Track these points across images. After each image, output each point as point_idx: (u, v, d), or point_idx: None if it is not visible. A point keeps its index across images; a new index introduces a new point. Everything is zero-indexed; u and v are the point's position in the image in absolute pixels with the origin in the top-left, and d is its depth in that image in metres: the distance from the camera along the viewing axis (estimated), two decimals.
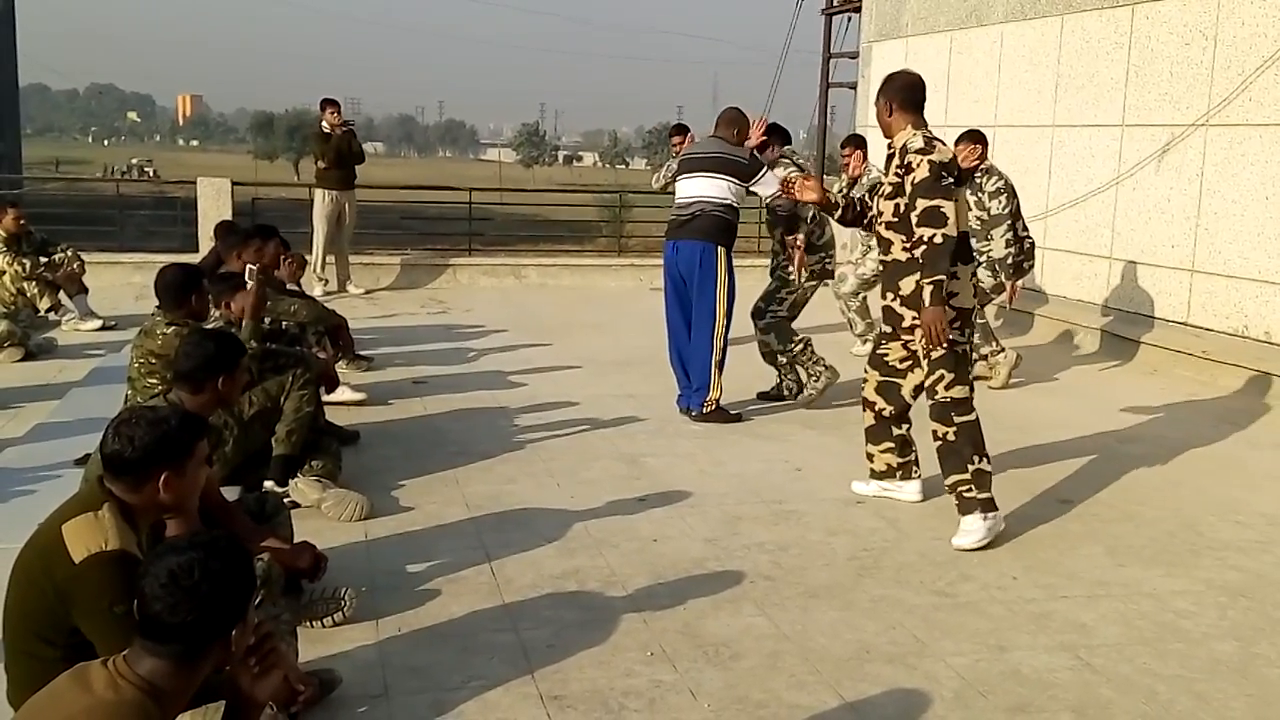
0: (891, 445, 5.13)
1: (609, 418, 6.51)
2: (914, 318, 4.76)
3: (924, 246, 4.64)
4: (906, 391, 5.02)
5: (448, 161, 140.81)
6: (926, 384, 4.82)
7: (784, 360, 6.96)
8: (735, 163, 6.45)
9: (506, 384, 7.41)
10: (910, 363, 4.93)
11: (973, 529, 4.72)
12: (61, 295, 8.92)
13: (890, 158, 4.88)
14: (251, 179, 25.85)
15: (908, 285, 4.78)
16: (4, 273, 8.46)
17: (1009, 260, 7.64)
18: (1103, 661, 3.65)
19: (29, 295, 8.59)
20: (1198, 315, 8.76)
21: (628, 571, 4.26)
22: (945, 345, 4.66)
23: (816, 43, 22.83)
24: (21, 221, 8.74)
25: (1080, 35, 10.03)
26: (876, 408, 5.10)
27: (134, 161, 71.41)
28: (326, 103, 11.47)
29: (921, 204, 4.65)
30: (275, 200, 17.57)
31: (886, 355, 5.03)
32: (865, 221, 5.13)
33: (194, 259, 7.80)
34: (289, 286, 6.96)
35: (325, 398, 5.83)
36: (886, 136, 4.92)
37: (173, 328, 4.82)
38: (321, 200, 11.20)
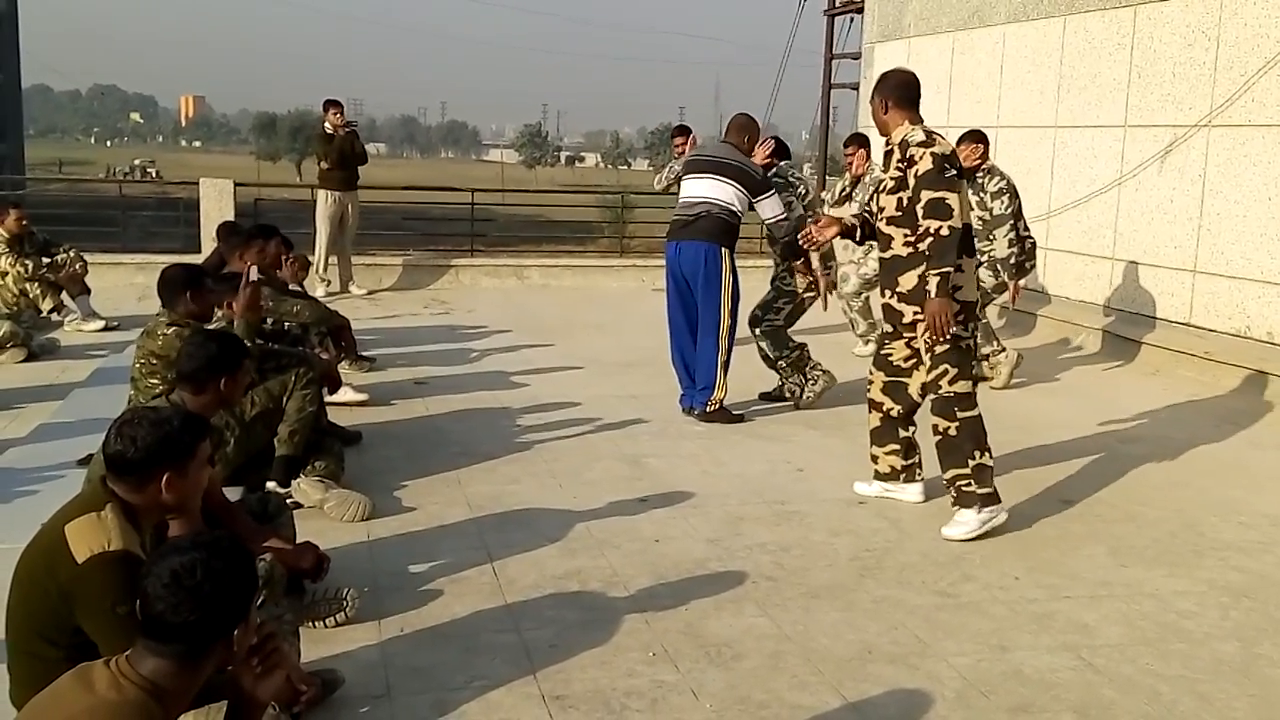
0: (897, 447, 5.12)
1: (611, 418, 6.51)
2: (915, 313, 4.77)
3: (930, 239, 4.64)
4: (914, 390, 5.01)
5: (450, 162, 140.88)
6: (929, 379, 4.82)
7: (783, 365, 6.97)
8: (746, 172, 6.46)
9: (509, 385, 7.42)
10: (915, 361, 4.93)
11: (965, 520, 4.77)
12: (64, 296, 8.93)
13: (888, 154, 4.88)
14: (254, 180, 25.91)
15: (908, 281, 4.78)
16: (6, 274, 8.48)
17: (1011, 260, 7.64)
18: (1105, 662, 3.65)
19: (32, 296, 8.60)
20: (1200, 316, 8.76)
21: (630, 572, 4.26)
22: (949, 338, 4.67)
23: (819, 43, 22.81)
24: (24, 222, 8.75)
25: (1083, 36, 10.03)
26: (885, 408, 5.09)
27: (136, 162, 71.55)
28: (329, 103, 11.48)
29: (926, 196, 4.65)
30: (278, 201, 17.55)
31: (891, 355, 5.03)
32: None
33: (196, 260, 7.80)
34: (291, 287, 6.97)
35: (328, 398, 5.84)
36: (883, 134, 4.94)
37: (173, 328, 4.83)
38: (324, 201, 11.20)
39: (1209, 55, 8.70)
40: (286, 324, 6.60)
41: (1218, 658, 3.72)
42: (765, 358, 7.02)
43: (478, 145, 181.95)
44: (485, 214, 17.22)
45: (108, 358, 7.59)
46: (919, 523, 4.92)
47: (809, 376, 6.93)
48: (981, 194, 7.51)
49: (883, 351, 5.09)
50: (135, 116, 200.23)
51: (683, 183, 6.72)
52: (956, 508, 4.83)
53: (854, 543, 4.67)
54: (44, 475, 4.89)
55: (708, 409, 6.52)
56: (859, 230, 5.13)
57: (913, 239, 4.73)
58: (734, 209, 6.45)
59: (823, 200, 8.72)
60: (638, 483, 5.39)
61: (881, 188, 4.89)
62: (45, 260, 8.74)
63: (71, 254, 8.94)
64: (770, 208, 6.48)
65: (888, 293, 4.91)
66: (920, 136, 4.74)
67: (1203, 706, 3.39)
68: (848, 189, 8.70)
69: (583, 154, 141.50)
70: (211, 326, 4.90)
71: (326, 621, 3.67)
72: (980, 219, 7.49)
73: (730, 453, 5.96)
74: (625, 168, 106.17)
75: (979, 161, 7.55)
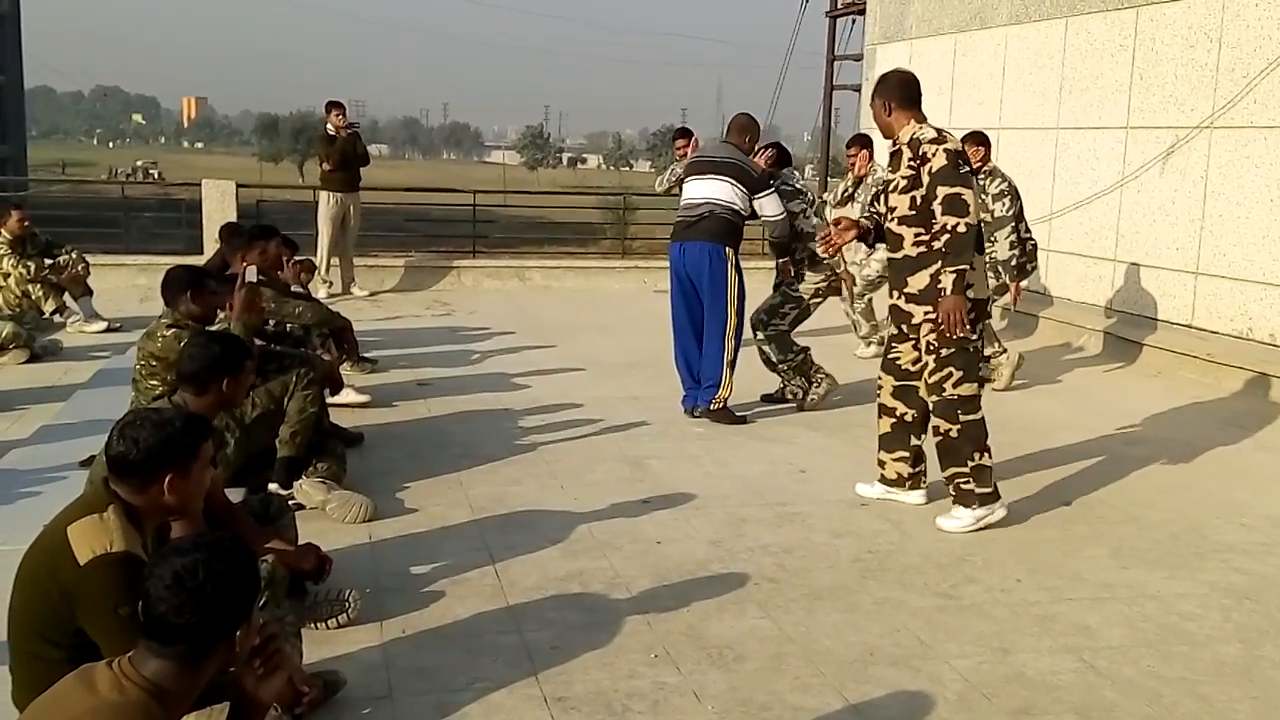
0: (906, 455, 5.11)
1: (613, 420, 6.51)
2: (925, 313, 4.76)
3: (947, 235, 4.64)
4: (925, 392, 5.00)
5: (452, 164, 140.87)
6: (933, 380, 4.81)
7: (785, 368, 6.97)
8: (745, 171, 6.48)
9: (510, 386, 7.42)
10: (922, 363, 4.92)
11: (960, 515, 4.82)
12: (66, 297, 8.94)
13: (895, 154, 4.87)
14: (256, 181, 25.92)
15: (918, 281, 4.77)
16: (9, 275, 8.48)
17: (1012, 262, 7.64)
18: (1107, 664, 3.65)
19: (34, 297, 8.61)
20: (1202, 318, 8.75)
21: (631, 573, 4.26)
22: (961, 336, 4.66)
23: (821, 45, 22.84)
24: (26, 224, 8.76)
25: (1085, 38, 10.03)
26: (897, 413, 5.08)
27: (139, 164, 71.62)
28: (331, 105, 11.49)
29: (943, 191, 4.65)
30: (280, 202, 17.58)
31: (898, 359, 5.02)
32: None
33: (199, 261, 7.82)
34: (294, 289, 6.97)
35: (329, 400, 5.84)
36: (887, 136, 4.93)
37: (173, 330, 4.83)
38: (326, 202, 11.21)
39: (1211, 57, 8.70)
40: (288, 325, 6.60)
41: (1220, 660, 3.72)
42: (767, 361, 7.02)
43: (480, 147, 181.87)
44: (487, 215, 17.24)
45: (110, 359, 7.60)
46: (921, 525, 4.92)
47: (812, 379, 6.94)
48: (983, 196, 7.51)
49: (890, 355, 5.08)
50: (137, 118, 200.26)
51: (685, 184, 6.74)
52: (955, 506, 4.87)
53: (856, 544, 4.67)
54: (46, 477, 4.90)
55: (711, 406, 6.52)
56: (871, 234, 5.11)
57: (925, 238, 4.73)
58: (736, 208, 6.45)
59: (824, 202, 8.72)
60: (639, 484, 5.39)
61: (892, 187, 4.87)
62: (48, 262, 8.75)
63: (74, 255, 8.94)
64: (770, 206, 6.49)
65: (896, 293, 4.90)
66: (931, 134, 4.75)
67: (1204, 708, 3.39)
68: (850, 190, 8.70)
69: (585, 155, 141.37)
70: (213, 328, 4.91)
71: (328, 623, 3.67)
72: (982, 221, 7.49)
73: (732, 454, 5.96)
74: (627, 169, 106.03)
75: (980, 163, 7.56)
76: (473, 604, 3.95)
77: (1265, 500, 5.48)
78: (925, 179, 4.70)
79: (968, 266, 4.62)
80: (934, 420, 4.85)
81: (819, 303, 7.02)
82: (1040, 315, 9.90)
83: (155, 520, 2.72)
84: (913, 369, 4.98)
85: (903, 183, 4.80)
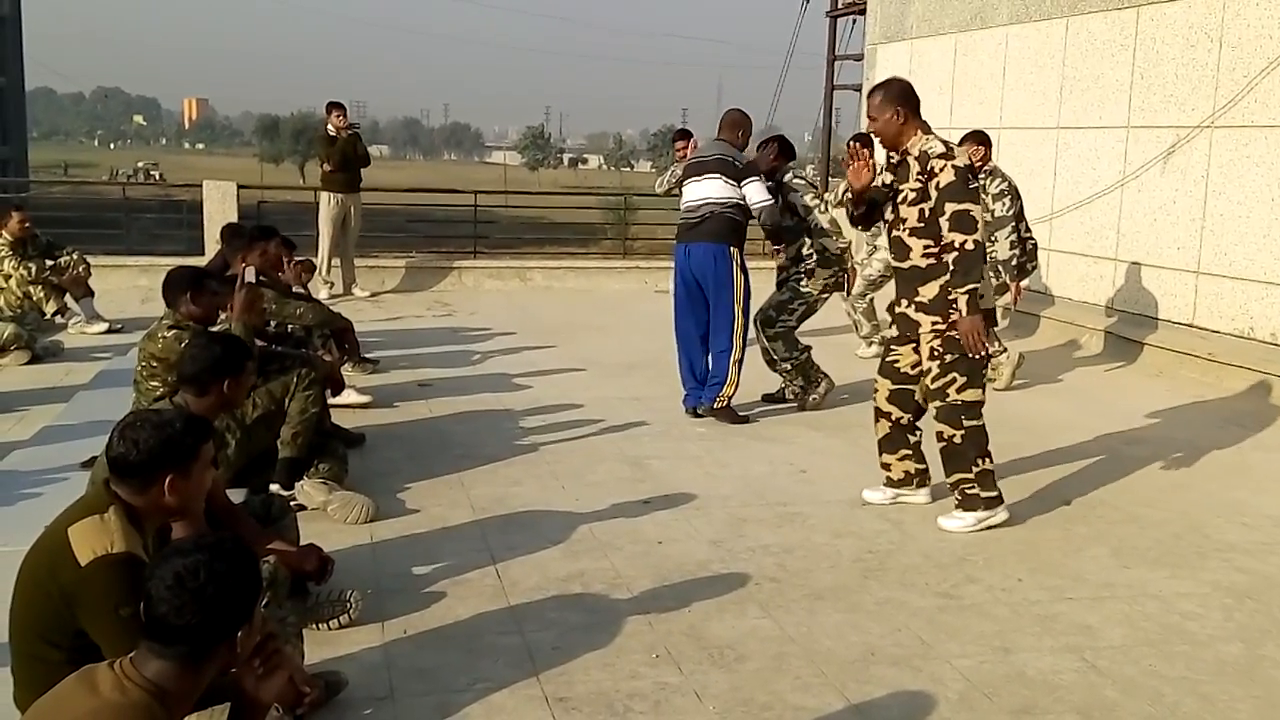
0: (909, 453, 5.10)
1: (614, 420, 6.51)
2: (934, 323, 4.76)
3: (955, 253, 4.64)
4: (921, 396, 5.01)
5: (453, 164, 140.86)
6: (936, 386, 4.81)
7: (788, 367, 6.97)
8: (728, 163, 6.50)
9: (511, 386, 7.42)
10: (924, 368, 4.91)
11: (963, 516, 4.84)
12: (68, 298, 8.95)
13: (900, 164, 4.84)
14: (257, 182, 25.94)
15: (929, 291, 4.77)
16: (10, 276, 8.49)
17: (1013, 262, 7.64)
18: (1108, 663, 3.65)
19: (35, 299, 8.62)
20: (1203, 317, 8.75)
21: (632, 574, 4.26)
22: (981, 353, 4.68)
23: (821, 45, 22.82)
24: (27, 225, 8.77)
25: (1085, 37, 10.03)
26: (893, 417, 5.07)
27: (140, 165, 71.65)
28: (332, 106, 11.50)
29: (951, 208, 4.64)
30: (281, 203, 17.58)
31: (897, 362, 5.02)
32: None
33: (200, 262, 7.82)
34: (295, 289, 6.98)
35: (331, 400, 5.84)
36: (892, 145, 4.88)
37: (173, 331, 4.83)
38: (327, 203, 11.22)
39: (1211, 56, 8.69)
40: (289, 326, 6.61)
41: (1221, 659, 3.72)
42: (769, 359, 7.02)
43: (480, 147, 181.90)
44: (488, 216, 17.23)
45: (111, 360, 7.60)
46: (922, 524, 4.92)
47: (813, 379, 6.95)
48: (983, 196, 7.51)
49: (888, 358, 5.08)
50: (138, 119, 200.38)
51: (683, 187, 6.76)
52: (958, 509, 4.88)
53: (857, 544, 4.67)
54: (48, 478, 4.90)
55: (715, 404, 6.53)
56: (879, 209, 5.05)
57: (935, 249, 4.73)
58: (735, 203, 6.46)
59: (825, 202, 8.72)
60: (640, 484, 5.39)
61: (900, 199, 4.85)
62: (49, 263, 8.76)
63: (75, 256, 8.95)
64: (755, 193, 6.46)
65: (904, 302, 4.89)
66: (939, 148, 4.74)
67: (1206, 708, 3.39)
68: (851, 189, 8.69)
69: (585, 156, 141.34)
70: (214, 329, 4.91)
71: (330, 624, 3.67)
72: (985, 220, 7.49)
73: (733, 454, 5.96)
74: (628, 169, 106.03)
75: (981, 163, 7.56)
76: (474, 604, 3.95)
77: (1266, 499, 5.48)
78: (933, 193, 4.69)
79: (978, 285, 4.64)
80: (937, 426, 4.84)
81: (825, 298, 7.03)
82: (1041, 315, 9.90)
83: (156, 521, 2.72)
84: (910, 373, 4.98)
85: (912, 195, 4.78)
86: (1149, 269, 9.28)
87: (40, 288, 8.63)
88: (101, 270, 9.98)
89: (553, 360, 8.31)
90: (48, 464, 5.10)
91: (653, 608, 3.96)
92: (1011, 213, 7.61)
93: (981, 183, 7.51)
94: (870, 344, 8.51)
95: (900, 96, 4.82)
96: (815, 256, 6.83)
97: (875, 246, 8.53)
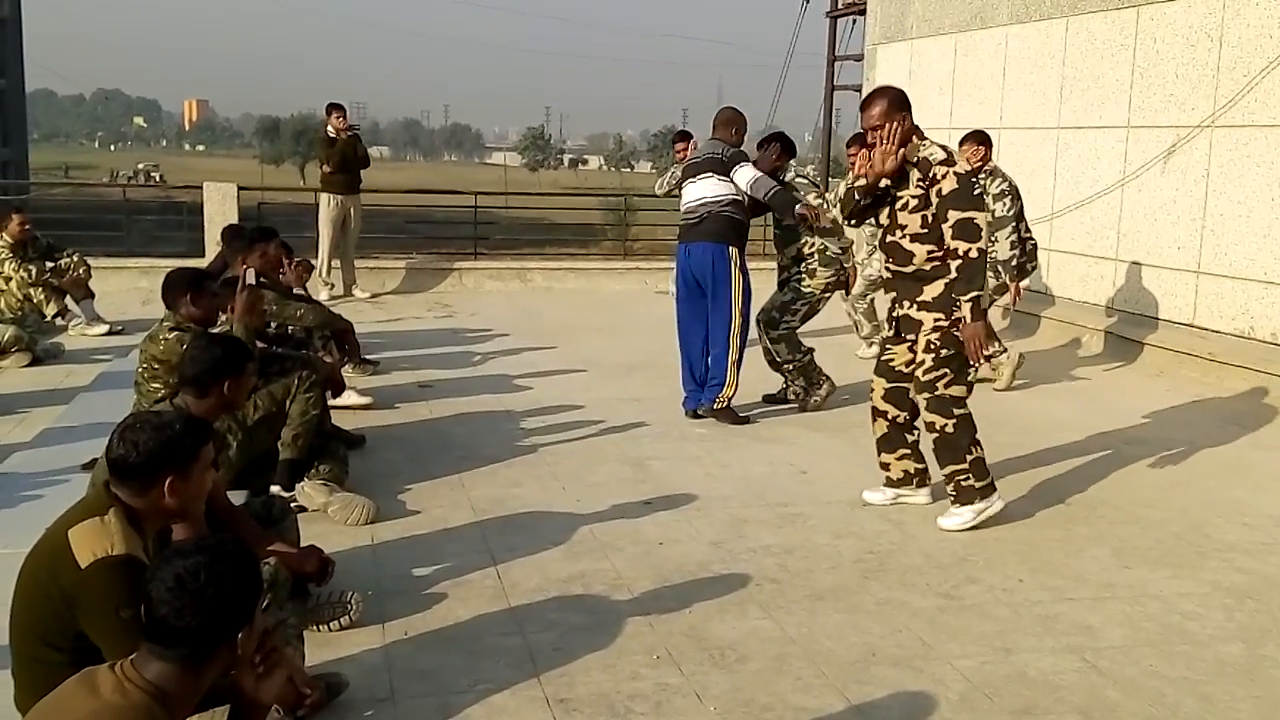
0: (908, 452, 5.11)
1: (614, 421, 6.51)
2: (936, 319, 4.77)
3: (958, 260, 4.65)
4: (915, 390, 5.01)
5: (453, 165, 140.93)
6: (927, 378, 4.82)
7: (791, 368, 6.97)
8: (718, 160, 6.51)
9: (512, 388, 7.42)
10: (918, 361, 4.92)
11: (960, 513, 4.86)
12: (68, 300, 8.95)
13: (903, 172, 4.83)
14: (258, 183, 25.95)
15: (933, 290, 4.78)
16: (10, 279, 8.49)
17: (1013, 262, 7.64)
18: (1109, 664, 3.65)
19: (36, 301, 8.62)
20: (1203, 317, 8.75)
21: (633, 575, 4.26)
22: (955, 349, 4.69)
23: (821, 45, 22.84)
24: (27, 227, 8.77)
25: (1085, 37, 10.03)
26: (890, 415, 5.08)
27: (140, 166, 71.78)
28: (332, 107, 11.50)
29: (954, 216, 4.65)
30: (281, 204, 17.58)
31: (893, 360, 5.02)
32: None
33: (200, 264, 7.82)
34: (295, 291, 6.98)
35: (331, 402, 5.84)
36: (879, 170, 4.83)
37: (175, 333, 4.84)
38: (327, 205, 11.22)
39: (1211, 56, 8.69)
40: (290, 328, 6.61)
41: (1222, 659, 3.72)
42: (772, 360, 7.02)
43: (481, 148, 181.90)
44: (488, 217, 17.23)
45: (112, 362, 7.60)
46: (923, 525, 4.92)
47: (815, 381, 6.95)
48: (984, 196, 7.50)
49: (884, 357, 5.08)
50: (139, 121, 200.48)
51: (682, 189, 6.77)
52: (956, 505, 4.90)
53: (857, 545, 4.67)
54: (48, 480, 4.90)
55: (715, 405, 6.53)
56: (875, 207, 5.03)
57: (939, 254, 4.74)
58: (732, 199, 6.46)
59: (826, 201, 8.72)
60: (641, 485, 5.39)
61: (900, 205, 4.84)
62: (49, 265, 8.76)
63: (75, 258, 8.96)
64: (744, 176, 6.44)
65: (906, 303, 4.89)
66: (940, 154, 4.74)
67: (1207, 708, 3.39)
68: (852, 188, 8.69)
69: (586, 157, 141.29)
70: (214, 330, 4.91)
71: (330, 625, 3.68)
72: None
73: (733, 455, 5.96)
74: (628, 170, 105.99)
75: (981, 163, 7.56)
76: (475, 606, 3.95)
77: (1267, 499, 5.47)
78: (934, 200, 4.70)
79: (983, 291, 4.66)
80: (928, 417, 4.86)
81: (827, 298, 7.04)
82: (1042, 315, 9.90)
83: (156, 523, 2.72)
84: (905, 370, 4.98)
85: (913, 202, 4.78)
86: (1149, 269, 9.28)
87: (41, 290, 8.63)
88: (102, 272, 9.99)
89: (553, 361, 8.31)
90: (48, 466, 5.11)
91: (653, 609, 3.96)
92: (1012, 213, 7.61)
93: (982, 183, 7.51)
94: (871, 344, 8.51)
95: (903, 105, 4.82)
96: (816, 256, 6.83)
97: (875, 246, 8.52)
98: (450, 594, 4.04)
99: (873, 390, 5.13)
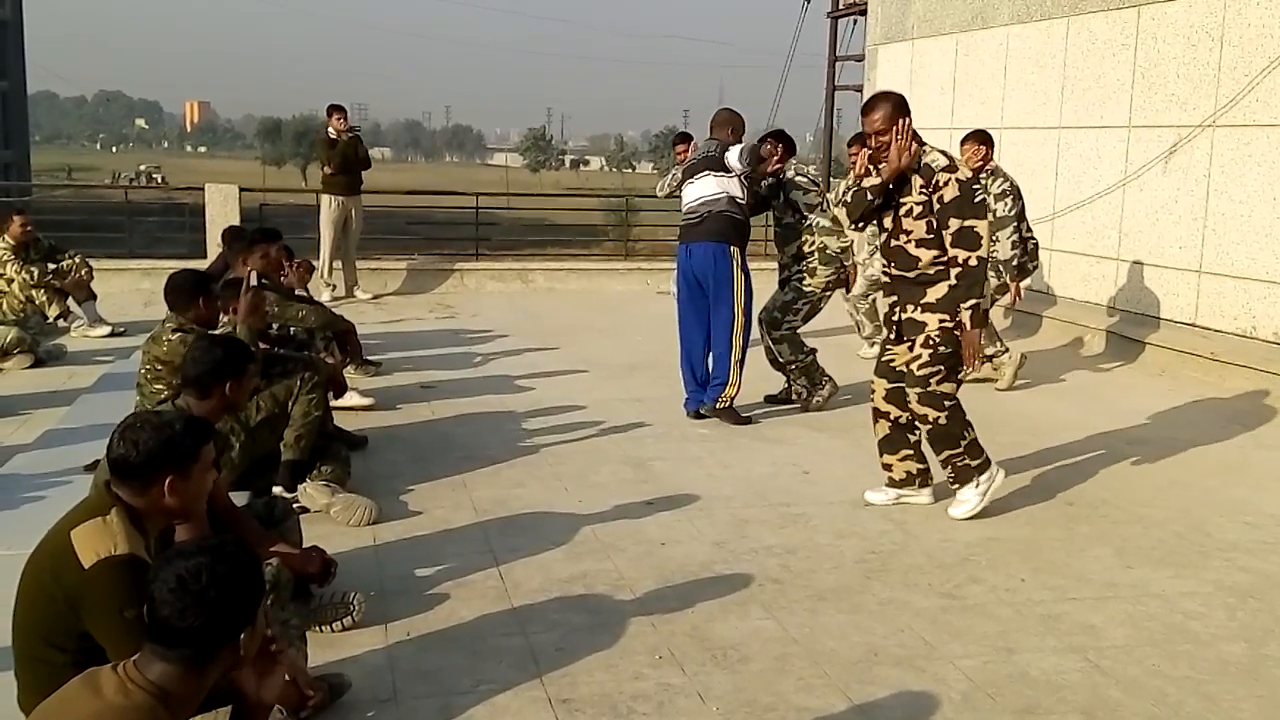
0: (910, 452, 5.11)
1: (616, 422, 6.51)
2: (941, 320, 4.78)
3: (958, 268, 4.68)
4: (907, 383, 5.02)
5: (455, 166, 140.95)
6: (922, 373, 4.83)
7: (794, 368, 6.98)
8: (713, 158, 6.53)
9: (513, 388, 7.42)
10: (915, 355, 4.92)
11: (967, 498, 4.92)
12: (70, 302, 8.96)
13: (904, 179, 4.82)
14: (259, 185, 25.96)
15: (937, 291, 4.79)
16: (12, 280, 8.50)
17: (1014, 262, 7.64)
18: (1111, 663, 3.65)
19: (38, 303, 8.62)
20: (1205, 316, 8.74)
21: (635, 575, 4.26)
22: (952, 349, 4.73)
23: (822, 46, 22.85)
24: (29, 229, 8.78)
25: (1086, 37, 10.02)
26: (891, 416, 5.09)
27: (142, 168, 71.85)
28: (333, 109, 11.51)
29: (955, 224, 4.68)
30: (283, 206, 17.60)
31: (893, 361, 5.03)
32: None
33: (202, 265, 7.82)
34: (297, 292, 6.98)
35: (333, 403, 5.84)
36: (895, 165, 4.83)
37: (178, 334, 4.84)
38: (328, 206, 11.23)
39: (1213, 55, 8.69)
40: (292, 329, 6.61)
41: (1224, 659, 3.72)
42: (774, 361, 7.03)
43: (482, 149, 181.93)
44: (490, 218, 17.24)
45: (114, 363, 7.61)
46: (925, 525, 4.92)
47: (818, 381, 6.96)
48: (985, 195, 7.49)
49: (884, 358, 5.09)
50: (141, 122, 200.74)
51: (683, 189, 6.77)
52: (957, 486, 4.95)
53: (860, 545, 4.67)
54: (51, 481, 4.90)
55: (718, 404, 6.54)
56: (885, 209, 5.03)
57: (943, 259, 4.75)
58: (731, 197, 6.46)
59: (827, 200, 8.72)
60: (643, 486, 5.39)
61: (904, 212, 4.84)
62: (51, 267, 8.77)
63: (77, 260, 8.97)
64: (732, 156, 6.46)
65: (911, 307, 4.89)
66: (943, 161, 4.75)
67: (1209, 707, 3.39)
68: (853, 189, 8.69)
69: (587, 157, 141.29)
70: (217, 332, 4.91)
71: (333, 626, 3.68)
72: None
73: (735, 455, 5.96)
74: (630, 171, 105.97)
75: (982, 163, 7.56)
76: (477, 606, 3.95)
77: (1269, 498, 5.47)
78: (937, 207, 4.71)
79: (982, 300, 4.70)
80: (920, 410, 4.89)
81: (828, 297, 7.04)
82: (1043, 314, 9.89)
83: (158, 523, 2.73)
84: (904, 369, 4.99)
85: (917, 209, 4.79)
86: (1151, 268, 9.28)
87: (43, 291, 8.64)
88: (104, 274, 10.00)
89: (555, 362, 8.31)
90: (51, 467, 5.10)
91: (656, 609, 3.96)
92: (1013, 213, 7.61)
93: (983, 183, 7.51)
94: (873, 344, 8.51)
95: (905, 110, 4.81)
96: (816, 255, 6.83)
97: (876, 247, 8.52)
98: (453, 594, 4.05)
99: (873, 391, 5.14)
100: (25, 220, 8.79)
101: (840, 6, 21.20)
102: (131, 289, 10.86)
